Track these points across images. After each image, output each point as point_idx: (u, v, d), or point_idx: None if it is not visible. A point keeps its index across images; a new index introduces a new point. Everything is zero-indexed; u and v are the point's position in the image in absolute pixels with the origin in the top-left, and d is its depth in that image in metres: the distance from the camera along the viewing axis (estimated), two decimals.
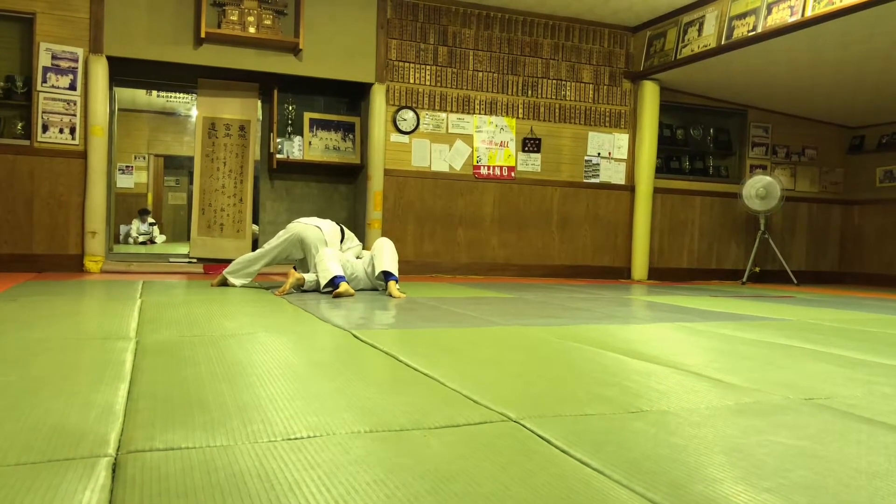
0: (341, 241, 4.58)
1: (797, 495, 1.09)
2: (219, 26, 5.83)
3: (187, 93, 9.09)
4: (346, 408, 1.52)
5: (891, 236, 7.78)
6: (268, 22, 5.93)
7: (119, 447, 1.21)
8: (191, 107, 11.66)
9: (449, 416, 1.48)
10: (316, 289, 4.25)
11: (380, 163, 6.36)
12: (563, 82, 6.99)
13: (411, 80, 6.51)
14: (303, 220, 4.61)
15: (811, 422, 1.54)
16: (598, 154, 7.13)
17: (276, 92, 6.45)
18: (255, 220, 6.76)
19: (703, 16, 6.24)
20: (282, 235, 4.53)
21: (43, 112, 5.52)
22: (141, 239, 11.90)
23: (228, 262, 6.13)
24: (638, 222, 7.14)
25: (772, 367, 2.23)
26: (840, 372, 2.16)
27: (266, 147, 6.68)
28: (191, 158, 9.84)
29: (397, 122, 6.48)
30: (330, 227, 4.54)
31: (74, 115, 5.59)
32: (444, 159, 6.65)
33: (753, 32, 5.63)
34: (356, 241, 4.79)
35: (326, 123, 6.71)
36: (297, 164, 6.61)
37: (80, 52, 5.58)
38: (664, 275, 7.34)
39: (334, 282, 4.11)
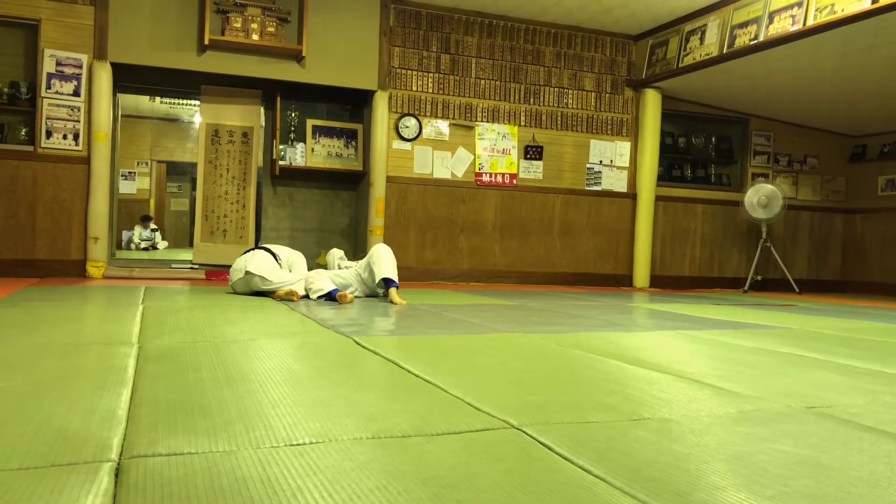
0: (276, 259, 4.52)
1: None
2: (222, 33, 5.86)
3: (191, 99, 9.12)
4: (348, 414, 1.52)
5: (893, 245, 7.78)
6: (271, 29, 5.96)
7: (122, 452, 1.21)
8: (194, 113, 11.69)
9: (451, 422, 1.48)
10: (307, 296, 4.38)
11: (382, 170, 6.38)
12: (566, 90, 7.01)
13: (414, 88, 6.53)
14: (233, 269, 4.53)
15: (813, 430, 1.54)
16: (600, 162, 7.14)
17: (279, 99, 6.48)
18: (258, 227, 6.76)
19: (705, 24, 6.26)
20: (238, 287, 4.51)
21: (47, 118, 5.54)
22: (143, 245, 11.91)
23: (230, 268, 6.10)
24: (640, 230, 7.14)
25: (774, 375, 2.23)
26: (842, 380, 2.16)
27: (269, 153, 6.69)
28: (193, 165, 9.87)
29: (400, 130, 6.50)
30: (260, 260, 4.44)
31: (78, 121, 5.61)
32: (446, 166, 6.66)
33: (755, 41, 5.65)
34: (294, 255, 4.69)
35: (329, 130, 6.73)
36: (300, 170, 6.62)
37: (84, 58, 5.61)
38: (666, 283, 7.33)
39: (331, 295, 4.18)
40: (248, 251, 4.63)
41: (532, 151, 6.90)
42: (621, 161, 7.20)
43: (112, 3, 5.64)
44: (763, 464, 1.28)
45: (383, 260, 4.35)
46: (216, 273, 5.95)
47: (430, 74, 6.58)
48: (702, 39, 6.27)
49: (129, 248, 11.78)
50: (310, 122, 6.67)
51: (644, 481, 1.16)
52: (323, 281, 4.29)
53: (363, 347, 2.46)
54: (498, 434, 1.42)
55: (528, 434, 1.42)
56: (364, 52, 6.35)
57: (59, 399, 1.57)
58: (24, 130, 5.63)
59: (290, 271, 4.54)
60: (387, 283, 4.30)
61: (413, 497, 1.05)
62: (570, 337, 2.96)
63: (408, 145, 6.53)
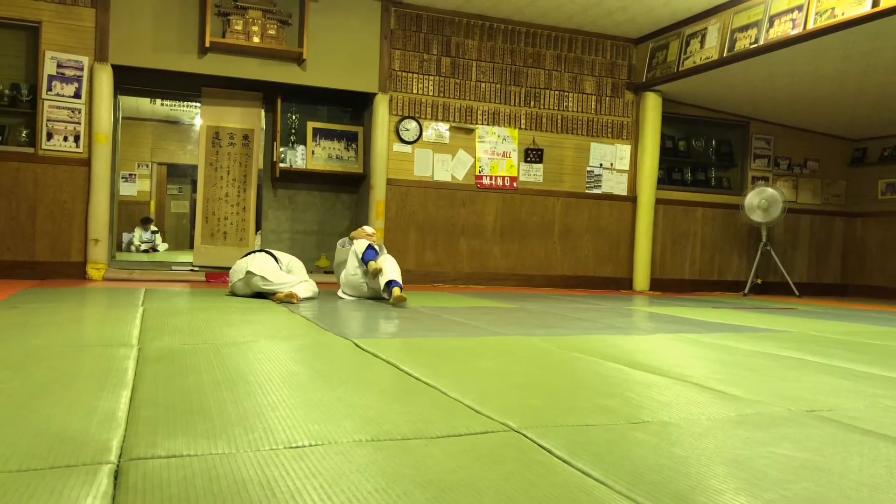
0: (277, 261, 4.56)
1: None
2: (223, 36, 5.86)
3: (191, 101, 9.13)
4: (347, 416, 1.52)
5: (893, 249, 7.77)
6: (272, 32, 5.97)
7: (121, 454, 1.21)
8: (195, 115, 11.70)
9: (450, 425, 1.48)
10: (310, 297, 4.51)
11: (382, 172, 6.38)
12: (566, 93, 7.02)
13: (414, 91, 6.54)
14: (233, 270, 4.55)
15: (813, 434, 1.54)
16: (601, 165, 7.14)
17: (279, 101, 6.48)
18: (258, 229, 6.77)
19: (706, 28, 6.27)
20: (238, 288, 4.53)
21: (47, 120, 5.55)
22: (143, 247, 11.91)
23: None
24: (640, 233, 7.15)
25: (774, 378, 2.22)
26: (842, 384, 2.16)
27: (269, 156, 6.70)
28: (194, 167, 9.87)
29: (400, 132, 6.50)
30: (261, 261, 4.47)
31: (79, 123, 5.61)
32: (447, 169, 6.66)
33: (755, 45, 5.65)
34: (294, 260, 4.76)
35: (329, 133, 6.73)
36: (300, 172, 6.62)
37: (85, 60, 5.61)
38: (666, 286, 7.33)
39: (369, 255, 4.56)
40: (249, 254, 4.67)
41: (532, 154, 6.90)
42: (621, 164, 7.21)
43: (113, 6, 5.65)
44: (763, 467, 1.28)
45: (388, 267, 4.51)
46: (216, 275, 5.95)
47: (431, 77, 6.59)
48: (702, 43, 6.28)
49: (129, 250, 11.78)
50: (310, 125, 6.68)
51: (644, 484, 1.16)
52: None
53: (363, 350, 2.46)
54: (498, 437, 1.42)
55: (527, 437, 1.41)
56: (365, 54, 6.35)
57: (58, 401, 1.56)
58: (24, 132, 5.64)
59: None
60: (391, 283, 4.42)
61: (412, 500, 1.05)
62: (569, 340, 2.96)
63: (408, 148, 6.53)
